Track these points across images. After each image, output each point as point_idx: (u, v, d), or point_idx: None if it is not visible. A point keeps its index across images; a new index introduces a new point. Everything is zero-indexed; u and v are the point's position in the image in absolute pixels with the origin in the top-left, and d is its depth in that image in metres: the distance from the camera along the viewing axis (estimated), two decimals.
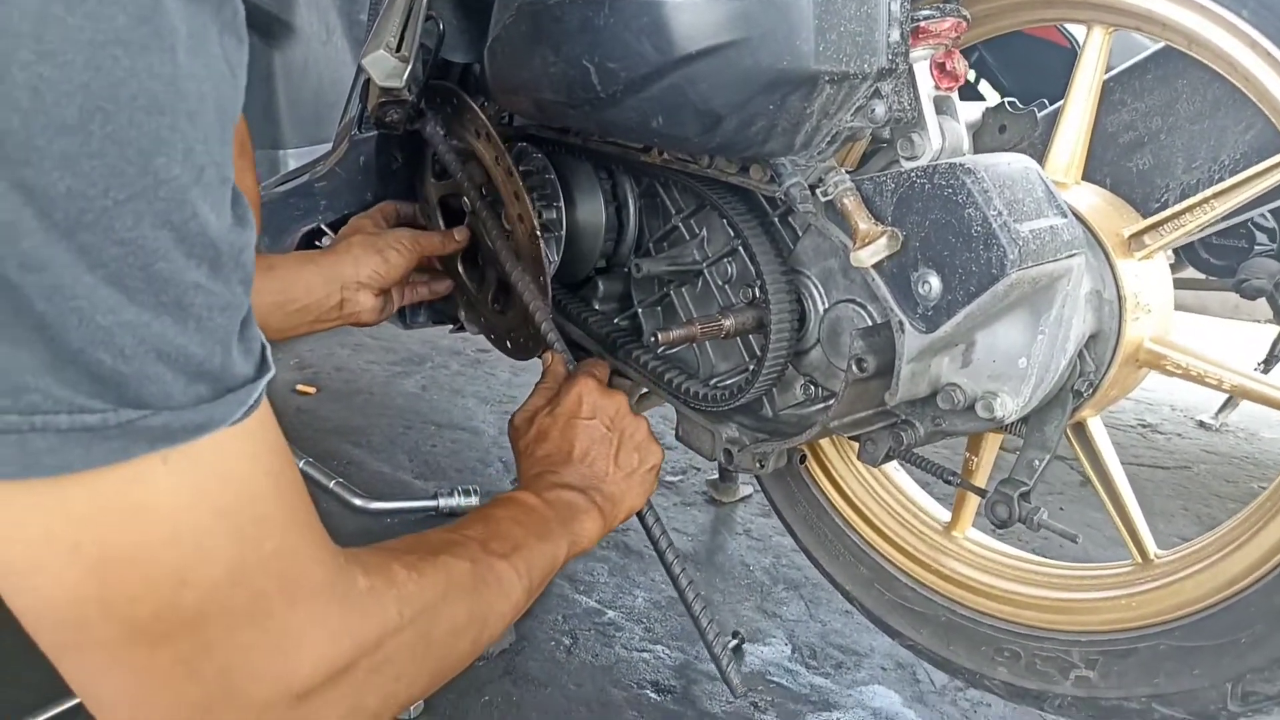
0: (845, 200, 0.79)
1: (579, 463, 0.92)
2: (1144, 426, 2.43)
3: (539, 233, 1.05)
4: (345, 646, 0.55)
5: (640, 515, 0.99)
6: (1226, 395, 2.49)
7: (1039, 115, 0.96)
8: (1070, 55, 1.53)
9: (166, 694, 0.48)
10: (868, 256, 0.77)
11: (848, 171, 0.82)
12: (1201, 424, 2.45)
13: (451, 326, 1.45)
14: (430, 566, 0.66)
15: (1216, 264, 1.54)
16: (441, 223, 1.25)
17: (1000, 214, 0.70)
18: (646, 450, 0.96)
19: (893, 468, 1.15)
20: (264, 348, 0.47)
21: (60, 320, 0.37)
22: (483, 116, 1.06)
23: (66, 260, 0.37)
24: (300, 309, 1.05)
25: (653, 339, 0.93)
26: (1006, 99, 0.99)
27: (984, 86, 1.85)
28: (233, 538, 0.47)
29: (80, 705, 0.96)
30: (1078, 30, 1.47)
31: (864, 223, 0.78)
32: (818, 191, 0.82)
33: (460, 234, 1.16)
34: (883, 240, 0.77)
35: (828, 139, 0.81)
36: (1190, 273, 1.57)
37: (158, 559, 0.44)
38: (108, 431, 0.39)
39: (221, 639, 0.48)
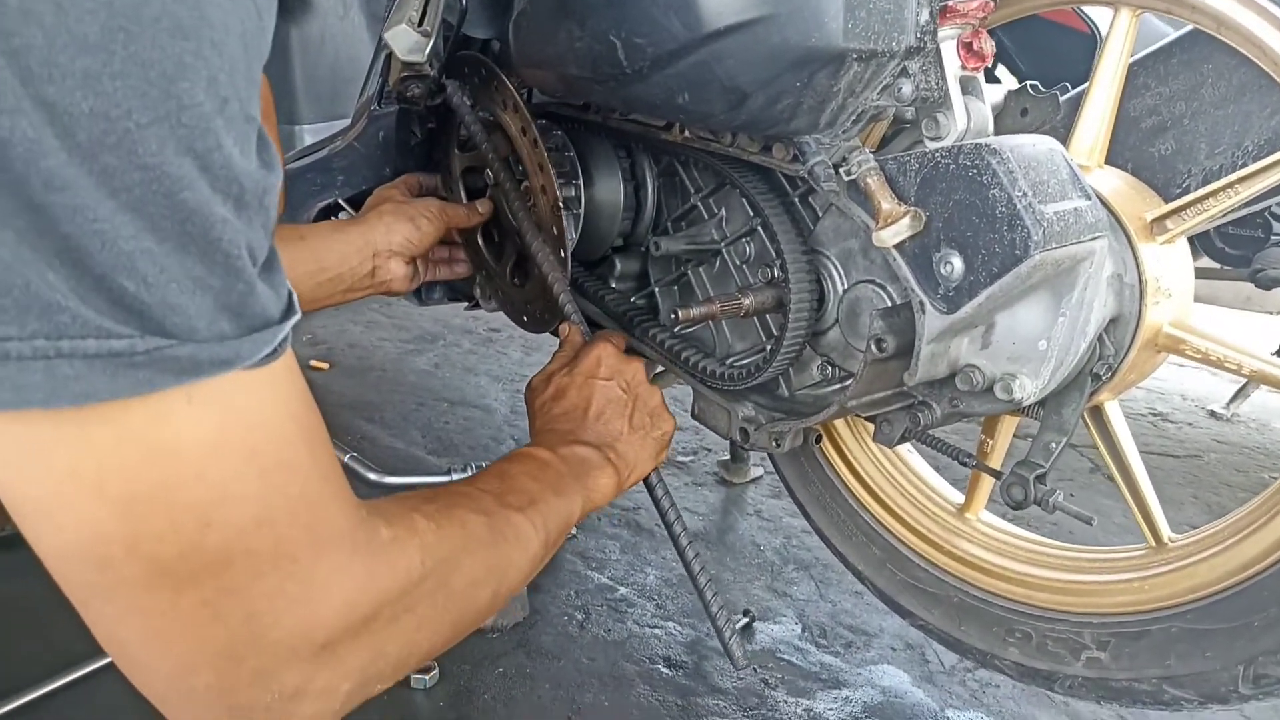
0: (869, 180, 0.79)
1: (594, 421, 0.93)
2: (1155, 415, 2.43)
3: (561, 205, 1.06)
4: (370, 595, 0.55)
5: (648, 484, 1.00)
6: (1238, 386, 2.49)
7: (1061, 99, 0.96)
8: (1089, 40, 1.52)
9: (190, 638, 0.48)
10: (890, 236, 0.78)
11: (870, 152, 0.82)
12: (1213, 414, 2.45)
13: (467, 304, 1.46)
14: (447, 519, 0.66)
15: (1232, 253, 1.53)
16: (464, 195, 1.25)
17: (1025, 195, 0.70)
18: (660, 416, 0.98)
19: (906, 450, 1.15)
20: (290, 294, 0.47)
21: (84, 243, 0.37)
22: (510, 87, 1.06)
23: (88, 183, 0.37)
24: (333, 278, 1.05)
25: (673, 316, 0.94)
26: (1029, 82, 0.99)
27: (1001, 72, 1.84)
28: (258, 481, 0.47)
29: (104, 667, 0.97)
30: (1099, 14, 1.46)
31: (887, 202, 0.78)
32: (841, 171, 0.82)
33: (484, 206, 1.17)
34: (905, 220, 0.77)
35: (853, 118, 0.81)
36: (1204, 262, 1.57)
37: (182, 498, 0.44)
38: (134, 359, 0.39)
39: (246, 583, 0.48)
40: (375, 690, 0.60)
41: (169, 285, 0.40)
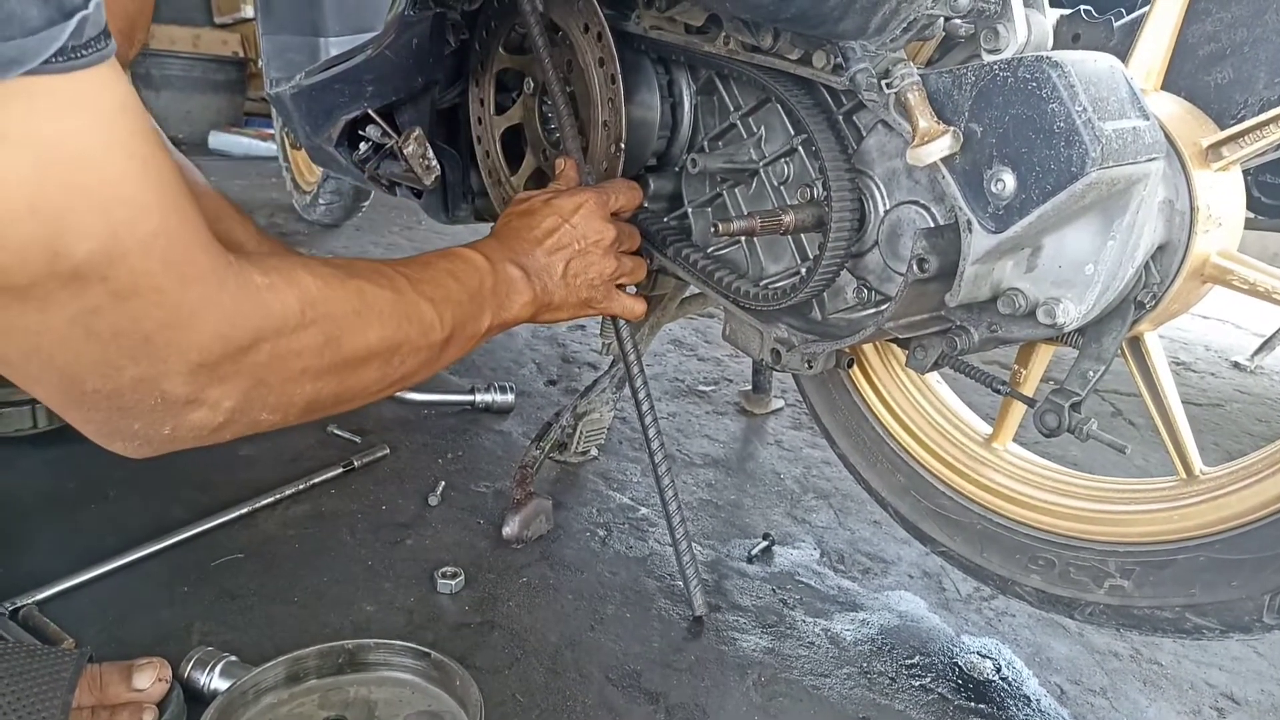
0: (909, 95, 0.77)
1: (542, 252, 0.97)
2: (1179, 365, 2.41)
3: (623, 144, 1.05)
4: (242, 328, 0.60)
5: (620, 342, 1.10)
6: (1263, 339, 2.46)
7: (1115, 25, 0.94)
8: None
9: (66, 351, 0.54)
10: (925, 155, 0.76)
11: (915, 67, 0.80)
12: (1236, 365, 2.43)
13: (493, 224, 1.45)
14: (342, 284, 0.71)
15: (1269, 203, 1.51)
16: (493, 94, 1.24)
17: (1085, 110, 0.68)
18: (598, 288, 1.02)
19: (935, 379, 1.15)
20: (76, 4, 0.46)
21: None
22: (601, 14, 1.04)
23: None
24: None
25: (713, 229, 0.93)
26: (1082, 7, 0.96)
27: None
28: (99, 217, 0.50)
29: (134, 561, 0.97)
30: None
31: (925, 120, 0.77)
32: (883, 83, 0.80)
33: None
34: (945, 139, 0.75)
35: (903, 26, 0.79)
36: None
37: (19, 233, 0.47)
38: None
39: (110, 306, 0.53)
40: (263, 420, 0.68)
41: None
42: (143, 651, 0.86)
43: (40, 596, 0.96)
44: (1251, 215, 1.57)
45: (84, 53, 0.47)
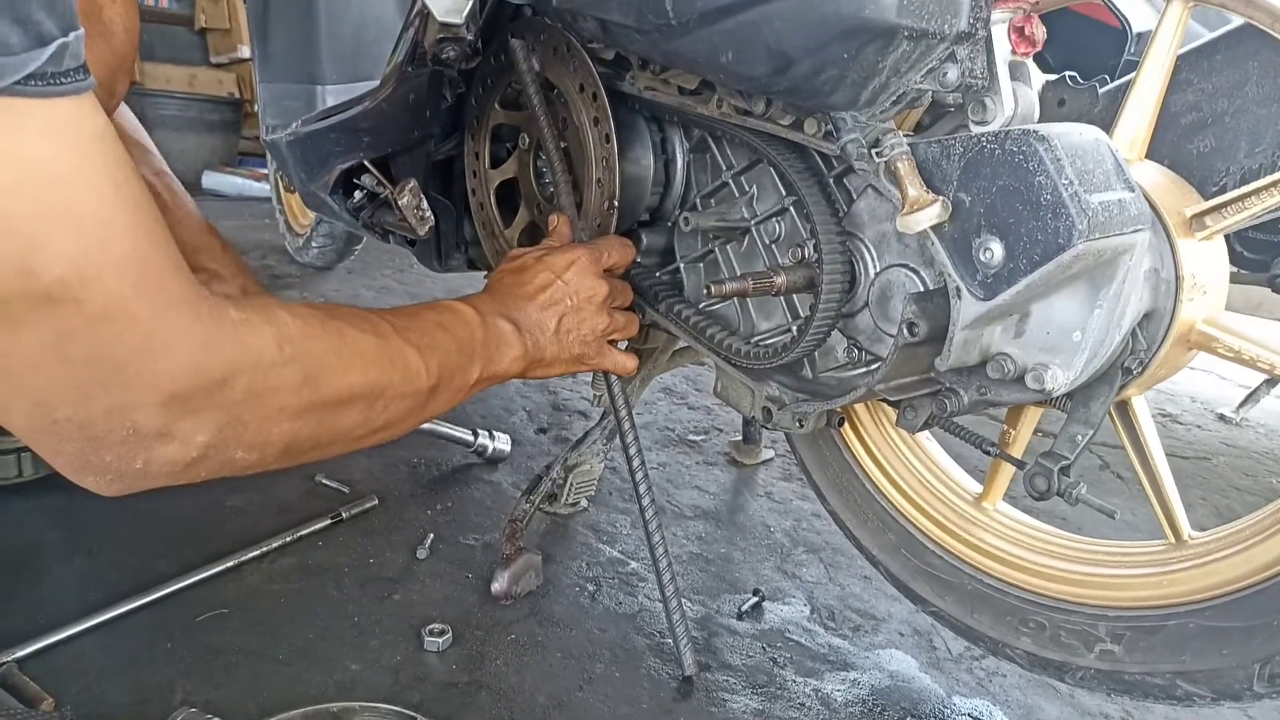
0: (899, 164, 0.79)
1: (535, 308, 0.97)
2: (1164, 417, 2.43)
3: (616, 202, 1.06)
4: (217, 359, 0.60)
5: (611, 395, 1.11)
6: (1248, 391, 2.48)
7: (1100, 91, 0.96)
8: (1119, 36, 1.51)
9: (39, 375, 0.53)
10: (915, 223, 0.77)
11: (904, 136, 0.81)
12: (1222, 417, 2.45)
13: (487, 274, 1.45)
14: (322, 325, 0.71)
15: (1251, 258, 1.53)
16: (488, 149, 1.25)
17: (1071, 183, 0.70)
18: (594, 346, 1.03)
19: (925, 438, 1.15)
20: (63, 19, 0.48)
21: None
22: (596, 75, 1.05)
23: None
24: None
25: (706, 290, 0.93)
26: (1067, 73, 0.98)
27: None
28: (72, 236, 0.51)
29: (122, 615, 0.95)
30: (1132, 9, 1.45)
31: (914, 189, 0.78)
32: (873, 152, 0.81)
33: None
34: (934, 208, 0.77)
35: (893, 99, 0.80)
36: None
37: None
38: None
39: (83, 329, 0.53)
40: (238, 460, 0.66)
41: None
42: (124, 712, 0.85)
43: (20, 654, 0.95)
44: (1235, 269, 1.60)
45: (63, 80, 0.49)
